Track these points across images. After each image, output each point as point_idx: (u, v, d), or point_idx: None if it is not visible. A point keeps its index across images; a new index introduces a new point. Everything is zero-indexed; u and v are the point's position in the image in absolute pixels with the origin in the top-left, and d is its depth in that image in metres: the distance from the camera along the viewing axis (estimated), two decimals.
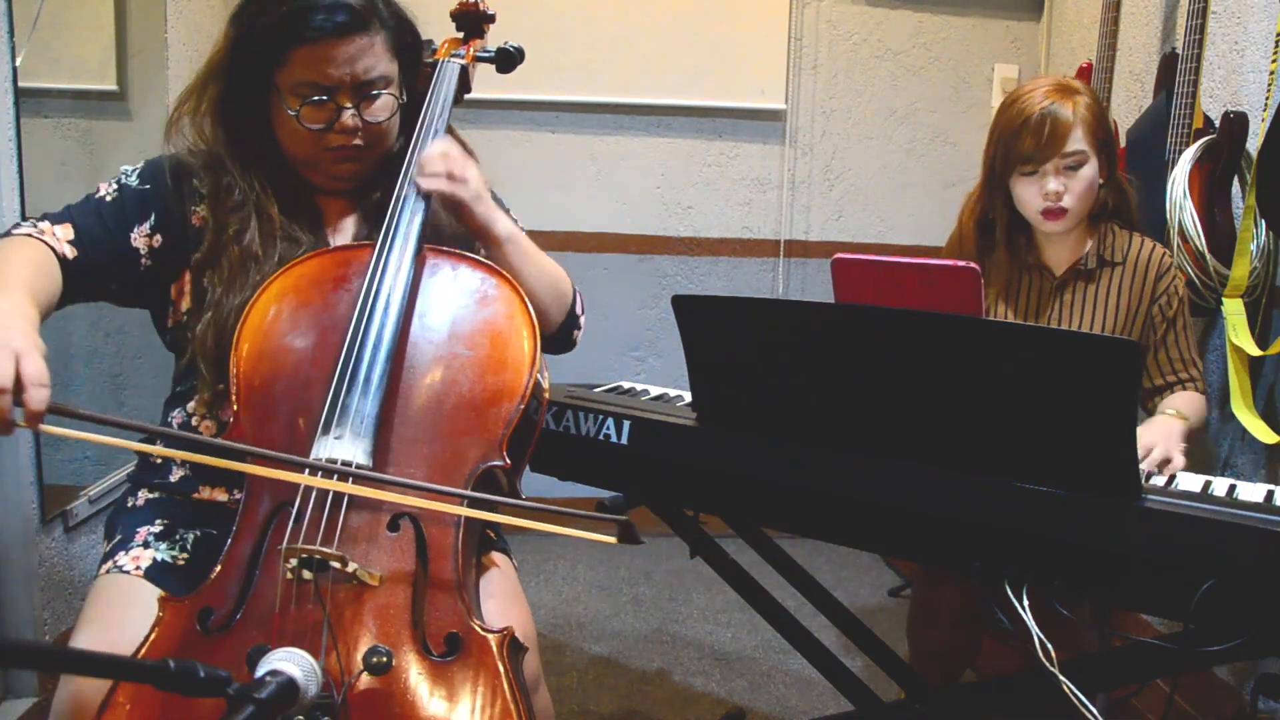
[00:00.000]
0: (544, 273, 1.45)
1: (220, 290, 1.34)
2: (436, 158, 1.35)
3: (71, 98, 2.27)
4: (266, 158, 1.40)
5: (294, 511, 1.12)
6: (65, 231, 1.30)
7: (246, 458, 1.15)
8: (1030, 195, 1.72)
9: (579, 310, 1.55)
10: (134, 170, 1.40)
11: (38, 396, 1.02)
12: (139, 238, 1.36)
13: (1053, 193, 1.69)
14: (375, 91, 1.36)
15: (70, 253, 1.29)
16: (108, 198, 1.36)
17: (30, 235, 1.28)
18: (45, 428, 1.06)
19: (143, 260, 1.36)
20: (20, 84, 1.93)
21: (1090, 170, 1.71)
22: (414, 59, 1.45)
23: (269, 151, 1.41)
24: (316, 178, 1.42)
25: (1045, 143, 1.67)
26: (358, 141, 1.37)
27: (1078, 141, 1.68)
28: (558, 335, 1.51)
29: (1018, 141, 1.70)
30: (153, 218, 1.36)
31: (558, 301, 1.48)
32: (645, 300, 3.37)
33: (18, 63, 1.92)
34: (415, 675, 1.05)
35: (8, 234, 1.30)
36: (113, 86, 2.42)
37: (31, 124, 1.99)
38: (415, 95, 1.46)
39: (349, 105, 1.34)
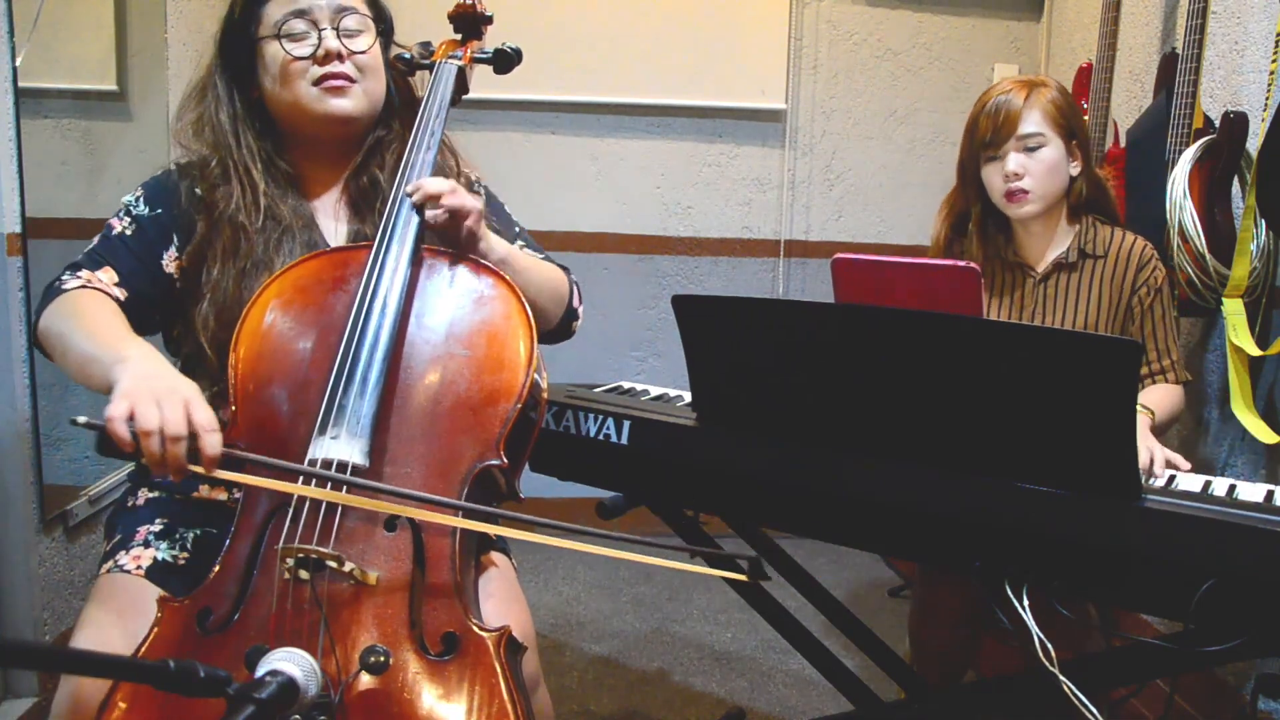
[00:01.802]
0: (541, 285, 1.45)
1: (216, 270, 1.35)
2: (443, 193, 1.31)
3: (71, 98, 2.27)
4: (262, 142, 1.41)
5: (290, 512, 1.12)
6: (109, 275, 1.32)
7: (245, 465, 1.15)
8: (995, 179, 1.78)
9: (576, 303, 1.56)
10: (138, 197, 1.40)
11: (212, 442, 1.08)
12: (169, 263, 1.37)
13: (1012, 172, 1.74)
14: (354, 21, 1.39)
15: (121, 294, 1.31)
16: (127, 231, 1.37)
17: (87, 287, 1.29)
18: (219, 472, 1.10)
19: (176, 284, 1.38)
20: (20, 84, 1.93)
21: (1051, 153, 1.75)
22: (387, 26, 1.47)
23: (263, 134, 1.42)
24: (310, 128, 1.41)
25: (1000, 125, 1.74)
26: (345, 69, 1.38)
27: (1033, 124, 1.74)
28: (556, 329, 1.53)
29: (978, 128, 1.78)
30: (175, 239, 1.38)
31: (556, 305, 1.50)
32: (645, 300, 3.37)
33: (18, 63, 1.92)
34: (413, 674, 1.05)
35: (61, 291, 1.29)
36: (113, 86, 2.42)
37: (31, 124, 1.99)
38: (392, 78, 1.48)
39: (328, 27, 1.37)
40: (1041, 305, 1.82)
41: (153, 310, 1.37)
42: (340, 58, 1.37)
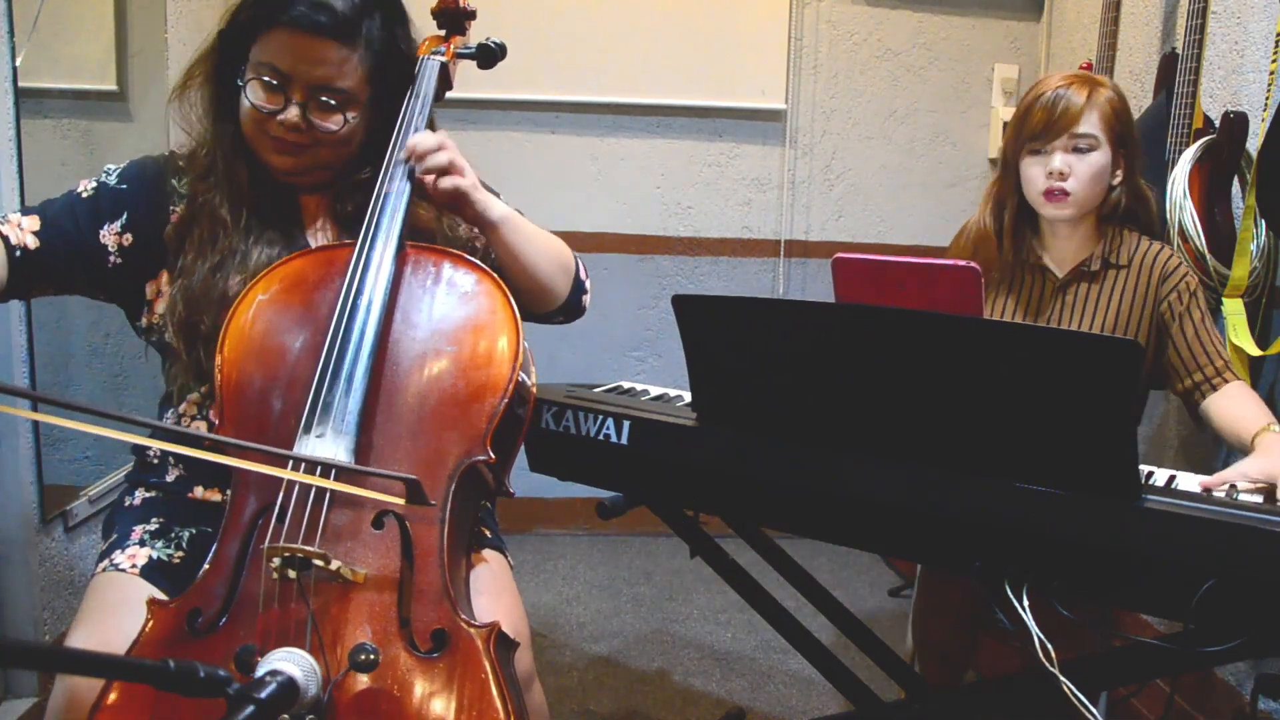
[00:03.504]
0: (545, 250, 1.45)
1: (190, 257, 1.35)
2: (435, 150, 1.33)
3: (71, 98, 2.27)
4: (243, 140, 1.40)
5: (276, 511, 1.12)
6: (31, 222, 1.32)
7: (227, 449, 1.14)
8: (1036, 174, 1.70)
9: (584, 275, 1.55)
10: (115, 170, 1.41)
11: None
12: (108, 235, 1.36)
13: (1057, 170, 1.67)
14: (330, 101, 1.34)
15: (32, 243, 1.31)
16: (84, 194, 1.38)
17: None
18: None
19: (111, 257, 1.37)
20: (20, 84, 1.93)
21: (1100, 158, 1.68)
22: (396, 86, 1.42)
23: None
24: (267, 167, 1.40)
25: (1056, 119, 1.67)
26: (300, 140, 1.35)
27: (1090, 125, 1.67)
28: (567, 304, 1.52)
29: (1030, 118, 1.70)
30: (124, 216, 1.37)
31: (563, 274, 1.49)
32: (645, 300, 3.37)
33: (18, 63, 1.92)
34: (402, 672, 1.05)
35: None
36: (113, 86, 2.42)
37: (31, 124, 1.99)
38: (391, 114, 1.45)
39: (298, 101, 1.33)
40: (1059, 312, 1.77)
41: (69, 272, 1.35)
42: (298, 129, 1.34)
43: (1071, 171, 1.67)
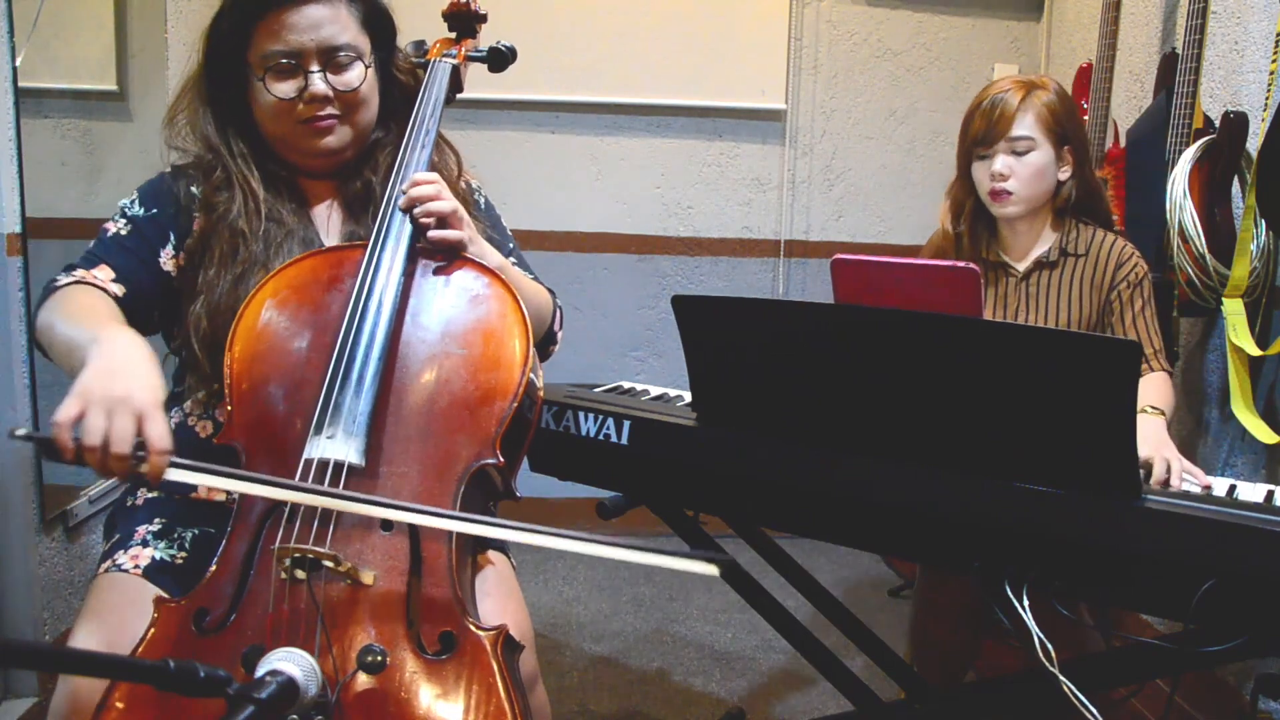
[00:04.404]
0: (529, 301, 1.45)
1: (212, 271, 1.34)
2: (434, 197, 1.31)
3: (71, 98, 2.27)
4: (251, 145, 1.41)
5: (286, 512, 1.12)
6: (105, 273, 1.31)
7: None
8: (982, 176, 1.79)
9: (557, 327, 1.56)
10: (133, 200, 1.40)
11: (157, 463, 1.01)
12: (167, 261, 1.37)
13: (997, 173, 1.75)
14: (344, 57, 1.37)
15: (119, 290, 1.30)
16: (123, 232, 1.36)
17: (82, 282, 1.28)
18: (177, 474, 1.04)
19: (174, 282, 1.37)
20: (20, 84, 1.93)
21: (1039, 158, 1.75)
22: (386, 37, 1.45)
23: (252, 138, 1.41)
24: (297, 158, 1.42)
25: (992, 125, 1.75)
26: (332, 110, 1.37)
27: (1025, 128, 1.74)
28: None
29: (972, 124, 1.79)
30: (172, 238, 1.37)
31: (537, 325, 1.48)
32: (645, 300, 3.37)
33: (18, 63, 1.92)
34: (410, 674, 1.05)
35: (54, 288, 1.28)
36: (113, 87, 2.42)
37: (31, 124, 1.99)
38: (396, 82, 1.47)
39: (316, 69, 1.35)
40: (1024, 303, 1.82)
41: (151, 308, 1.36)
42: (328, 99, 1.36)
43: (1012, 173, 1.75)
